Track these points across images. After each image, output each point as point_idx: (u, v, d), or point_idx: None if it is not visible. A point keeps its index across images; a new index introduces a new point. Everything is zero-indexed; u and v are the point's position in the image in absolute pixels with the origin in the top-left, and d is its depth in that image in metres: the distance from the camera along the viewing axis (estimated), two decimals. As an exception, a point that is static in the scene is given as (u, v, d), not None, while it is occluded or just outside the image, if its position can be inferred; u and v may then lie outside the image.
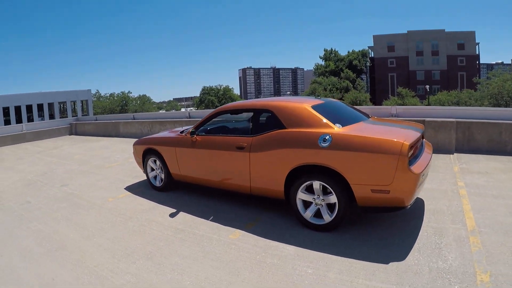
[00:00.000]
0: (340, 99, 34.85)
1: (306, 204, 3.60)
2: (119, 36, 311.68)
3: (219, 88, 60.38)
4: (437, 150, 6.75)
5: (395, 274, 2.70)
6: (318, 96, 4.50)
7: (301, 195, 3.55)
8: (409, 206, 3.18)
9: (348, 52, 56.62)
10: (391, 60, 52.84)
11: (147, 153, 5.49)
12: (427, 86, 42.97)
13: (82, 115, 42.43)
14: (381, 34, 53.61)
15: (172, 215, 4.32)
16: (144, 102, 52.70)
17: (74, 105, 43.36)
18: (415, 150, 3.31)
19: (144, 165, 5.67)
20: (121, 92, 51.10)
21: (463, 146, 6.67)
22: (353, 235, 3.41)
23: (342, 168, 3.22)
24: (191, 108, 76.26)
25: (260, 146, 3.80)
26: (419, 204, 4.08)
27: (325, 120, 3.53)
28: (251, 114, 4.23)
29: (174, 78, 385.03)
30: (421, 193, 4.40)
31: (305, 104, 3.78)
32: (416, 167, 3.12)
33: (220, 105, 56.11)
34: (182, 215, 4.32)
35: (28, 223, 4.51)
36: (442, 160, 6.17)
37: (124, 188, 5.85)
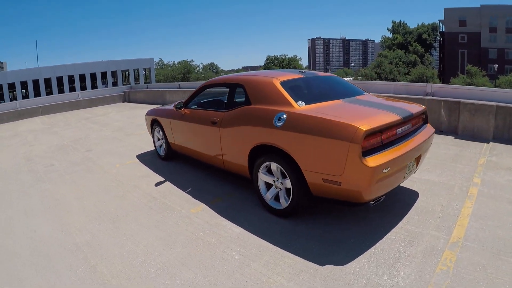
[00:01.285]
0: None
1: (268, 186, 3.55)
2: (185, 5, 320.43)
3: (283, 57, 60.07)
4: (472, 137, 6.08)
5: (322, 280, 2.46)
6: (302, 70, 4.17)
7: (262, 176, 3.50)
8: (373, 202, 2.87)
9: (418, 25, 53.91)
10: (462, 36, 47.85)
11: (154, 123, 5.87)
12: (496, 66, 39.11)
13: (144, 83, 45.52)
14: (452, 7, 48.90)
15: (157, 184, 4.64)
16: (206, 71, 54.58)
17: (137, 73, 46.47)
18: (388, 136, 2.93)
19: (152, 135, 6.08)
20: (183, 60, 53.58)
21: (503, 135, 5.85)
22: (311, 226, 3.21)
23: (294, 151, 3.06)
24: None
25: (228, 122, 3.83)
26: (411, 199, 3.71)
27: (287, 97, 3.32)
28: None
29: (243, 47, 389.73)
30: (421, 186, 4.03)
31: (274, 79, 3.61)
32: (374, 159, 2.68)
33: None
34: (165, 184, 4.62)
35: (42, 183, 5.21)
36: (472, 149, 5.50)
37: (136, 156, 6.35)
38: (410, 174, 3.24)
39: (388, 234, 3.02)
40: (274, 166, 3.34)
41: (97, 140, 8.20)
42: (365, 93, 4.05)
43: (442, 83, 43.11)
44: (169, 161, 5.71)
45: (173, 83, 18.55)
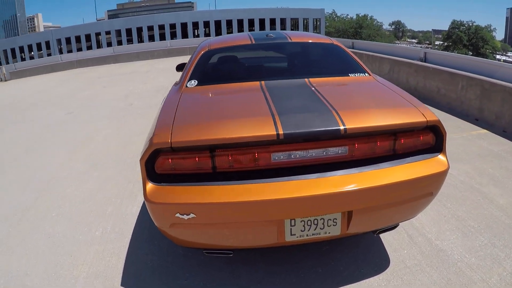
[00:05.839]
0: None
1: None
2: None
3: (470, 24, 51.91)
4: None
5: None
6: (269, 33, 3.35)
7: None
8: (205, 251, 2.10)
9: None
10: None
11: None
12: None
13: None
14: None
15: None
16: (378, 29, 51.97)
17: (306, 22, 47.39)
18: (236, 162, 1.88)
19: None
20: (356, 15, 52.06)
21: None
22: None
23: None
24: (421, 46, 68.53)
25: None
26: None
27: (187, 73, 2.84)
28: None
29: (431, 8, 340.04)
30: (404, 266, 2.46)
31: (206, 46, 3.12)
32: (164, 192, 1.83)
33: (470, 45, 46.04)
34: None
35: (102, 120, 6.56)
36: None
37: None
38: (315, 236, 1.97)
39: None
40: None
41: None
42: (355, 75, 2.80)
43: None
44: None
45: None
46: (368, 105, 2.15)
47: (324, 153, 1.91)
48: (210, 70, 3.07)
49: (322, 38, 3.44)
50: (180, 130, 1.90)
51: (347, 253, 2.58)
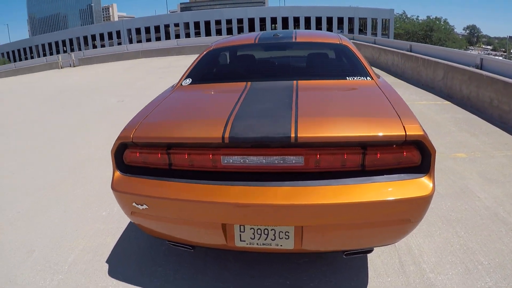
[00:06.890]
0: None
1: None
2: None
3: None
4: None
5: None
6: (277, 32, 3.34)
7: None
8: (169, 242, 2.16)
9: None
10: None
11: None
12: None
13: (382, 35, 44.61)
14: None
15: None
16: (450, 32, 49.03)
17: (375, 23, 45.78)
18: (189, 162, 1.91)
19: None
20: (427, 17, 49.89)
21: None
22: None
23: None
24: (496, 53, 62.36)
25: None
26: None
27: (186, 71, 2.98)
28: None
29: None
30: None
31: (212, 45, 3.30)
32: (128, 181, 1.98)
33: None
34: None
35: (129, 111, 6.95)
36: None
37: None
38: (266, 247, 1.89)
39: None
40: None
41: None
42: (353, 79, 2.63)
43: None
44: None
45: (400, 41, 14.07)
46: (340, 113, 2.02)
47: (276, 162, 1.81)
48: (207, 69, 3.16)
49: (329, 38, 3.29)
50: (145, 126, 2.02)
51: (324, 270, 2.37)
